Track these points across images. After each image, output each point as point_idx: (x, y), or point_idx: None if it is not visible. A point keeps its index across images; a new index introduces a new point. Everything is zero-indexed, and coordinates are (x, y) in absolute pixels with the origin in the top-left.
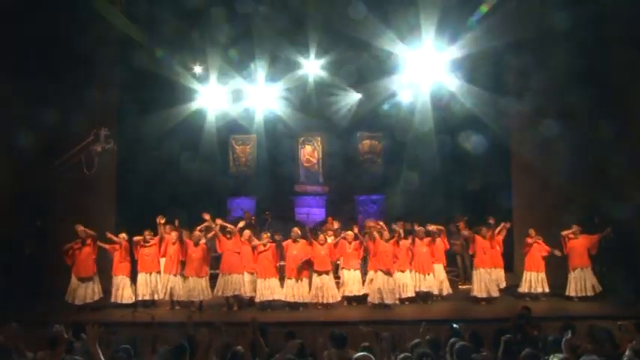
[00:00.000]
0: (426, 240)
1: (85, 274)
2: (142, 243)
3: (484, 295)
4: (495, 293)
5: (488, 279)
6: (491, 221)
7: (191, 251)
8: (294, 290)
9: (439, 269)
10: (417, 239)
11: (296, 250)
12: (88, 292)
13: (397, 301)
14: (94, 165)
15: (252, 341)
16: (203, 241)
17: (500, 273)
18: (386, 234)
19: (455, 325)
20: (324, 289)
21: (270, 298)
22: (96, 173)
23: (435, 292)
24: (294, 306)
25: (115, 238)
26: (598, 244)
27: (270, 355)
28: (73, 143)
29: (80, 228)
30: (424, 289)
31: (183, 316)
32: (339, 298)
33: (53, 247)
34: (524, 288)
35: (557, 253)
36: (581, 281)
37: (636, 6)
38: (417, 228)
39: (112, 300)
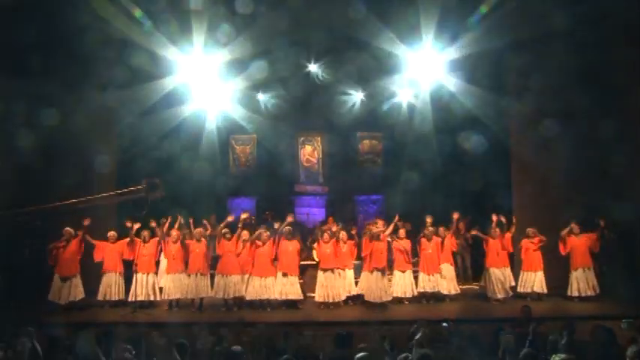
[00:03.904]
0: (434, 240)
1: (68, 273)
2: (140, 242)
3: (501, 295)
4: (507, 293)
5: (502, 279)
6: (502, 219)
7: (193, 248)
8: (286, 287)
9: (448, 269)
10: (423, 239)
11: (291, 246)
12: (71, 291)
13: (391, 299)
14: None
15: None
16: (204, 238)
17: (509, 272)
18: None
19: (445, 324)
20: (328, 287)
21: (265, 297)
22: (96, 173)
23: (445, 292)
24: (291, 304)
25: (94, 242)
26: (598, 241)
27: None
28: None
29: (69, 228)
30: (429, 289)
31: (182, 316)
32: (343, 297)
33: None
34: (520, 288)
35: (562, 235)
36: (583, 281)
37: (636, 6)
38: (426, 230)
39: (100, 298)
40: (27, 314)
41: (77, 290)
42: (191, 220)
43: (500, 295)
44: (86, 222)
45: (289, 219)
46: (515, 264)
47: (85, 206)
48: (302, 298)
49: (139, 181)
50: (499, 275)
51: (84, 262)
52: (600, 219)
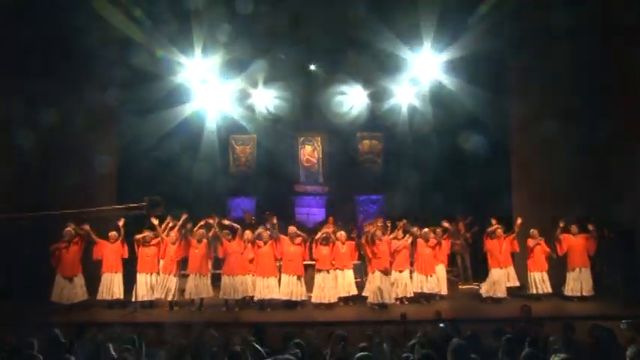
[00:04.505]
0: (431, 241)
1: (71, 274)
2: (142, 242)
3: (497, 294)
4: (503, 294)
5: (498, 279)
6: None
7: (194, 248)
8: (290, 288)
9: (440, 269)
10: (420, 240)
11: (293, 247)
12: (75, 291)
13: (395, 301)
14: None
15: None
16: (205, 239)
17: (511, 272)
18: (379, 233)
19: (441, 325)
20: (325, 289)
21: (269, 297)
22: (96, 173)
23: (437, 291)
24: (291, 304)
25: (97, 240)
26: (595, 244)
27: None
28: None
29: (69, 227)
30: (426, 290)
31: (182, 316)
32: (335, 299)
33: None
34: (532, 289)
35: (553, 255)
36: (578, 281)
37: (636, 6)
38: (424, 230)
39: (99, 298)
40: (27, 314)
41: (81, 290)
42: (216, 220)
43: (492, 294)
44: (86, 227)
45: (291, 229)
46: (520, 264)
47: (85, 216)
48: (304, 299)
49: (140, 189)
50: (499, 275)
51: (84, 263)
52: (590, 223)
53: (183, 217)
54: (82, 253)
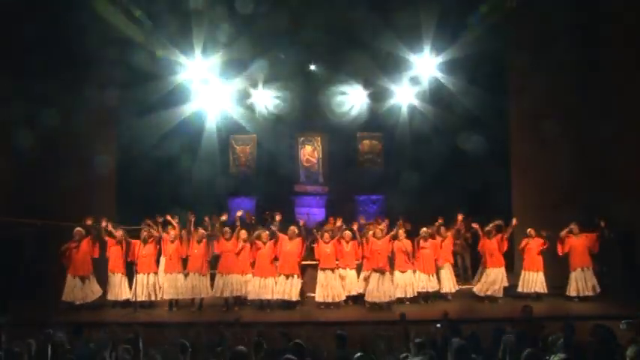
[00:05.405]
0: (431, 241)
1: (82, 273)
2: (140, 242)
3: (489, 293)
4: (500, 293)
5: (495, 279)
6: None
7: (193, 248)
8: (283, 287)
9: (448, 268)
10: (421, 240)
11: (290, 246)
12: (86, 291)
13: (393, 300)
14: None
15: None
16: (205, 239)
17: (503, 272)
18: (378, 232)
19: (438, 325)
20: (328, 287)
21: (262, 297)
22: (96, 173)
23: (444, 291)
24: (289, 304)
25: (115, 233)
26: (598, 242)
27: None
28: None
29: (86, 224)
30: (429, 289)
31: (182, 316)
32: (343, 297)
33: (53, 248)
34: (522, 288)
35: (559, 251)
36: (582, 281)
37: (636, 6)
38: (422, 229)
39: (109, 298)
40: (26, 315)
41: (94, 289)
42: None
43: (488, 293)
44: (89, 221)
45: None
46: (516, 264)
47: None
48: (298, 299)
49: (139, 189)
50: (494, 275)
51: (97, 263)
52: (600, 219)
53: (191, 219)
54: (92, 253)
